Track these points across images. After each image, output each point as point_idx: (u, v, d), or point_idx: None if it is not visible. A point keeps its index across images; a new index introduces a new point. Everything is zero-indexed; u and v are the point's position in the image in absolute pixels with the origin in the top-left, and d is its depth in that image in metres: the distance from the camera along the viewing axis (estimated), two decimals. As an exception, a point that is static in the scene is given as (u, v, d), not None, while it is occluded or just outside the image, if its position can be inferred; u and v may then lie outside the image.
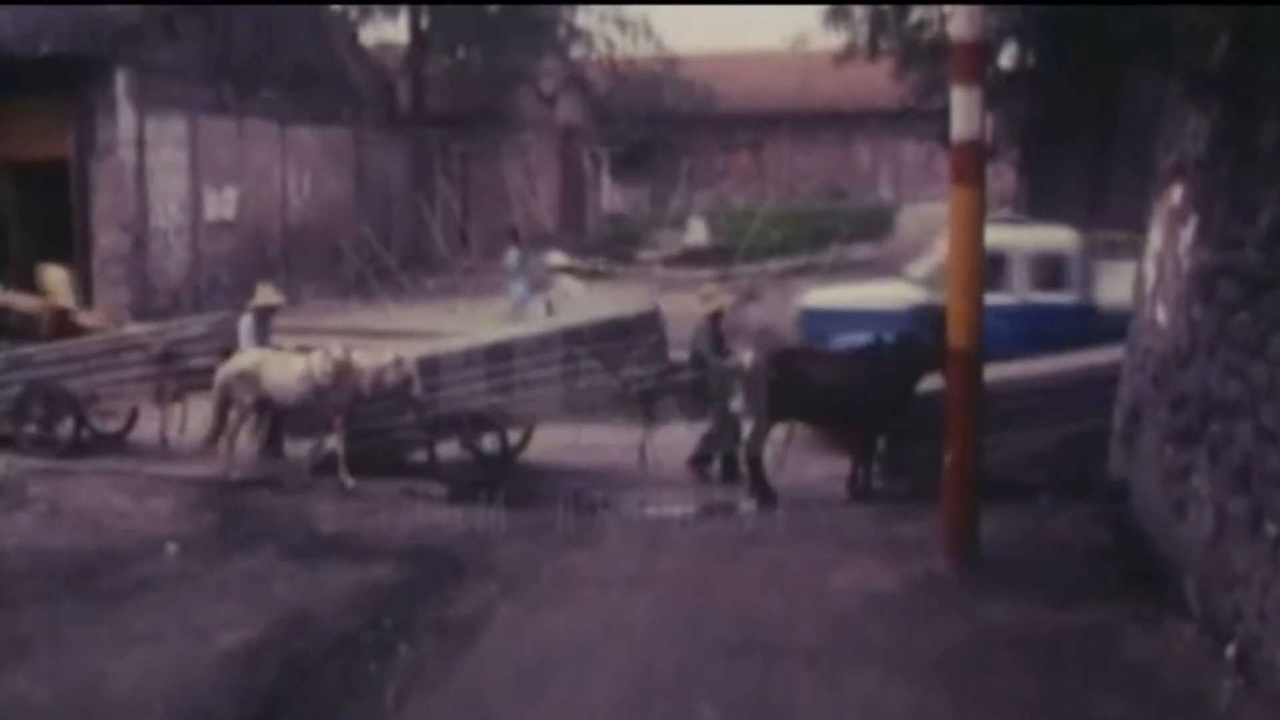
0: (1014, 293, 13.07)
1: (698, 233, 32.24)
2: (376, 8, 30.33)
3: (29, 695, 6.59)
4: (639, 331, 11.40)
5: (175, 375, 12.22)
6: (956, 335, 8.23)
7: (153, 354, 12.20)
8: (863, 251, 29.37)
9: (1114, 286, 12.05)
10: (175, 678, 6.74)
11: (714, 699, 6.24)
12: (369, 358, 11.12)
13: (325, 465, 11.24)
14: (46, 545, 9.41)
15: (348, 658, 7.03)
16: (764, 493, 10.25)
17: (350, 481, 10.91)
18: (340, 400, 11.03)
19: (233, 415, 11.22)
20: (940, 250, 12.92)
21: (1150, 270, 8.75)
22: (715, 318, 11.74)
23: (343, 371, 10.98)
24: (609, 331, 11.44)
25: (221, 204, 21.87)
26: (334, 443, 11.12)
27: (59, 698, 6.57)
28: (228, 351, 12.10)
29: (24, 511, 10.35)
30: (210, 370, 11.62)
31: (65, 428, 12.46)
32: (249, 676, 6.77)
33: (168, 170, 20.38)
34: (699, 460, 11.59)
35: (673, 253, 30.72)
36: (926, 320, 10.21)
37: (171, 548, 9.24)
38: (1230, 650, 6.15)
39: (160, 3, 19.99)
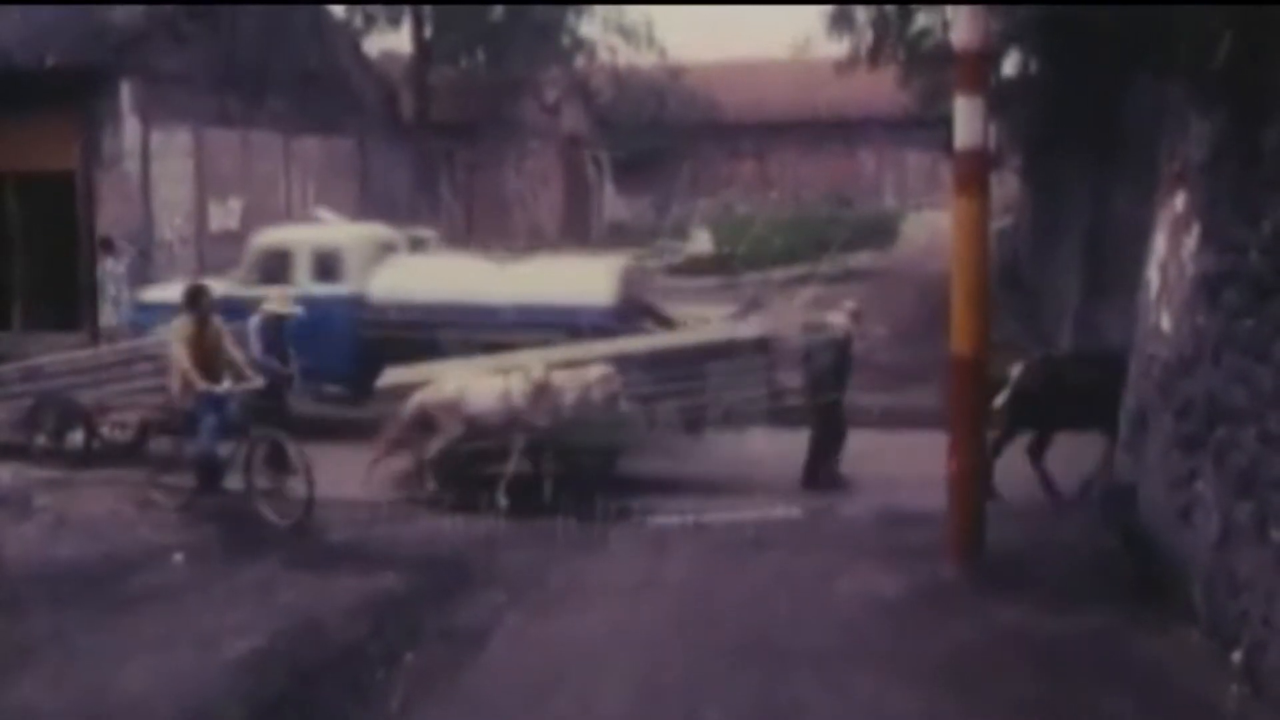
0: (297, 285, 13.81)
1: (701, 241, 32.20)
2: (381, 18, 30.36)
3: (36, 703, 6.60)
4: (747, 353, 11.48)
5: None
6: (960, 343, 8.22)
7: (163, 365, 12.19)
8: (867, 259, 29.40)
9: (394, 279, 13.82)
10: (181, 686, 6.75)
11: (722, 705, 6.25)
12: (570, 376, 10.99)
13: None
14: (53, 555, 9.43)
15: (354, 666, 7.03)
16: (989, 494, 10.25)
17: (505, 501, 10.70)
18: (534, 422, 10.87)
19: (435, 442, 11.02)
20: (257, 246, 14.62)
21: (1154, 276, 8.75)
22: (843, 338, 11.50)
23: (540, 393, 10.86)
24: (716, 352, 11.50)
25: (226, 215, 21.87)
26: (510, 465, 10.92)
27: (66, 705, 6.59)
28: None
29: (30, 521, 10.39)
30: None
31: (76, 439, 12.48)
32: (255, 685, 6.77)
33: (173, 181, 20.39)
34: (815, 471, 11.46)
35: (676, 261, 30.70)
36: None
37: (178, 557, 9.25)
38: (1236, 656, 6.15)
39: (166, 2, 20.03)
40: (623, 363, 11.39)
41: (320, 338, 12.68)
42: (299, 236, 15.06)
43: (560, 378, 10.97)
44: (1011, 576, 8.01)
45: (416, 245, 15.97)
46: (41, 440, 12.50)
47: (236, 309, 13.60)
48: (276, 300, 11.85)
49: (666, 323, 14.39)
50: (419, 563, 9.06)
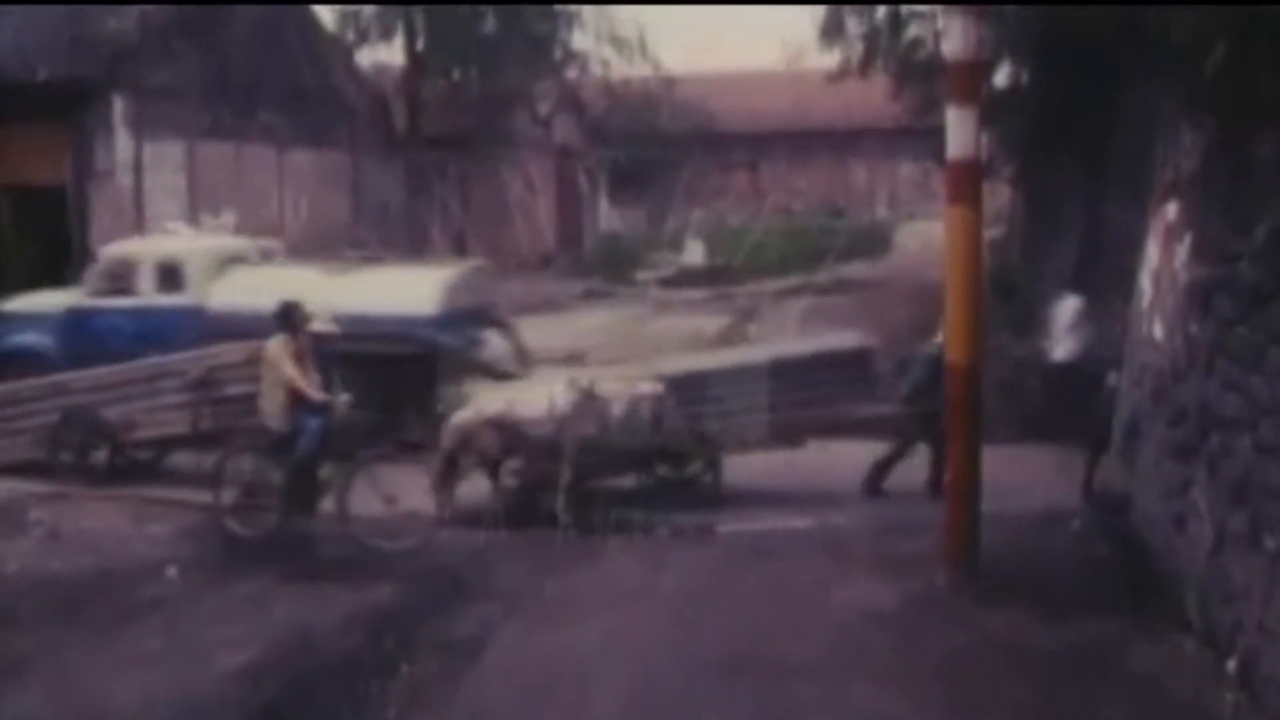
0: (139, 296, 14.48)
1: (695, 253, 32.22)
2: (373, 31, 30.35)
3: (32, 716, 6.59)
4: (850, 365, 11.45)
5: (212, 402, 12.11)
6: (955, 349, 8.24)
7: (189, 381, 12.16)
8: (861, 269, 29.42)
9: (231, 289, 14.15)
10: (177, 699, 6.74)
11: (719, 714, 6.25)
12: (618, 387, 10.89)
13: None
14: (48, 569, 9.41)
15: (350, 678, 7.02)
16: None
17: (566, 516, 10.38)
18: (580, 433, 10.64)
19: (465, 462, 10.79)
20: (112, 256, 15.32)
21: (1147, 285, 8.77)
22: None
23: (585, 402, 10.70)
24: (820, 363, 11.46)
25: (219, 228, 21.85)
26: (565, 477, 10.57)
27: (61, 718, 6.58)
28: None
29: (24, 536, 10.36)
30: (248, 397, 11.11)
31: (100, 455, 12.43)
32: (251, 697, 6.76)
33: (165, 194, 20.39)
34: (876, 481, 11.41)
35: (670, 273, 30.72)
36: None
37: (171, 570, 9.24)
38: (1231, 664, 6.16)
39: (161, 1, 20.05)
40: (721, 375, 11.37)
41: (161, 347, 12.90)
42: (143, 248, 15.62)
43: (609, 390, 10.82)
44: (1005, 584, 8.01)
45: (265, 256, 16.10)
46: (66, 456, 12.46)
47: (83, 319, 14.44)
48: (318, 320, 11.44)
49: (507, 330, 14.62)
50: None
